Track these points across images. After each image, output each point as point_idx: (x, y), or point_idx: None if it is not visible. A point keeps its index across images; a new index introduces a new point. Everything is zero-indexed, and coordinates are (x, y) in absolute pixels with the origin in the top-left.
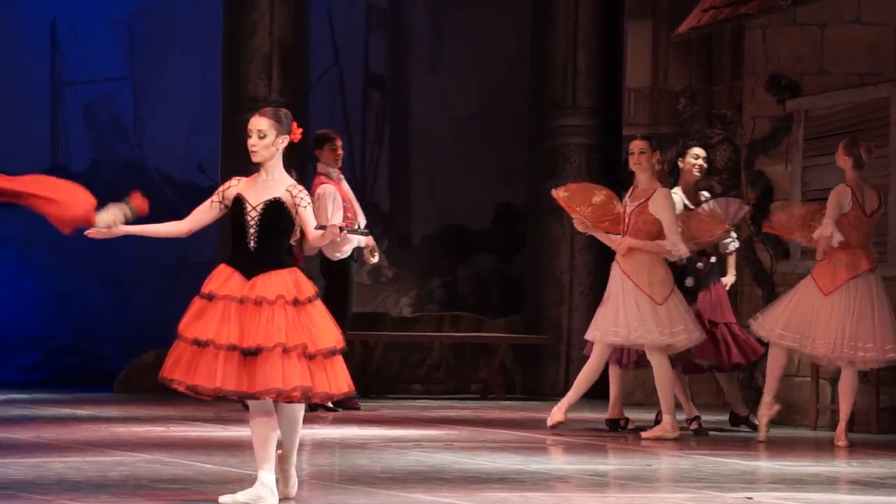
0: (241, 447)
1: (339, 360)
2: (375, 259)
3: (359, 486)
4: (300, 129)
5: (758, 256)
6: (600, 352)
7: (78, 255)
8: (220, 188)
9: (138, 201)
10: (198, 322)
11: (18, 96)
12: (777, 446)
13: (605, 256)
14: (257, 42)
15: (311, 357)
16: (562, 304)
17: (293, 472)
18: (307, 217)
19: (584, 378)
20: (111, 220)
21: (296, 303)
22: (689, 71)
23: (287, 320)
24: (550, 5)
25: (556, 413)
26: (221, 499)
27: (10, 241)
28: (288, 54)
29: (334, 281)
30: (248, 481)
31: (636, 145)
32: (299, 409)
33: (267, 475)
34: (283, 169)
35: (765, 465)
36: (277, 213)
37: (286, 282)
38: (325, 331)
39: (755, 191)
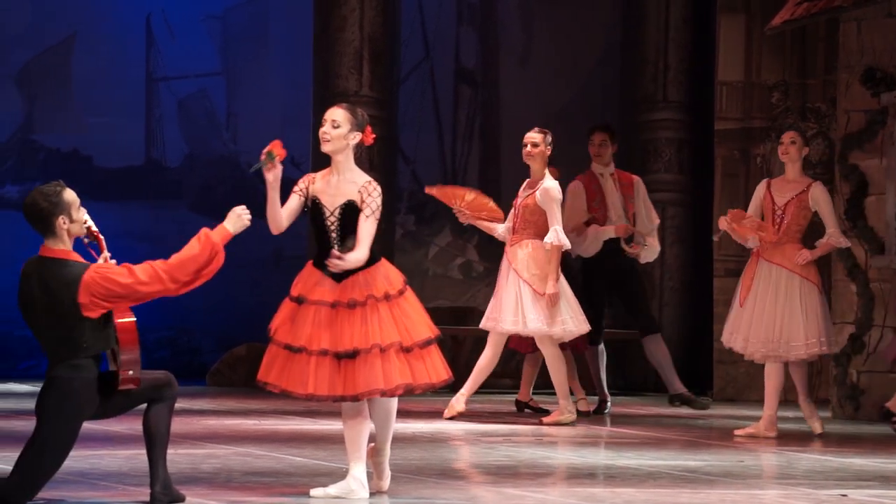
0: (331, 440)
1: (435, 349)
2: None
3: (449, 481)
4: (374, 136)
5: (852, 251)
6: (496, 341)
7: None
8: (301, 183)
9: (278, 148)
10: (289, 326)
11: (114, 92)
12: (873, 443)
13: (695, 252)
14: (347, 37)
15: (408, 350)
16: (652, 298)
17: (386, 466)
18: (363, 229)
19: (481, 368)
20: (238, 225)
21: (387, 297)
22: (783, 64)
23: (380, 319)
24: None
25: (456, 404)
26: (313, 492)
27: (108, 234)
28: (378, 49)
29: None
30: (338, 475)
31: (529, 138)
32: (393, 402)
33: (358, 469)
34: (355, 167)
35: (859, 462)
36: (353, 216)
37: (375, 278)
38: (419, 321)
39: (849, 185)
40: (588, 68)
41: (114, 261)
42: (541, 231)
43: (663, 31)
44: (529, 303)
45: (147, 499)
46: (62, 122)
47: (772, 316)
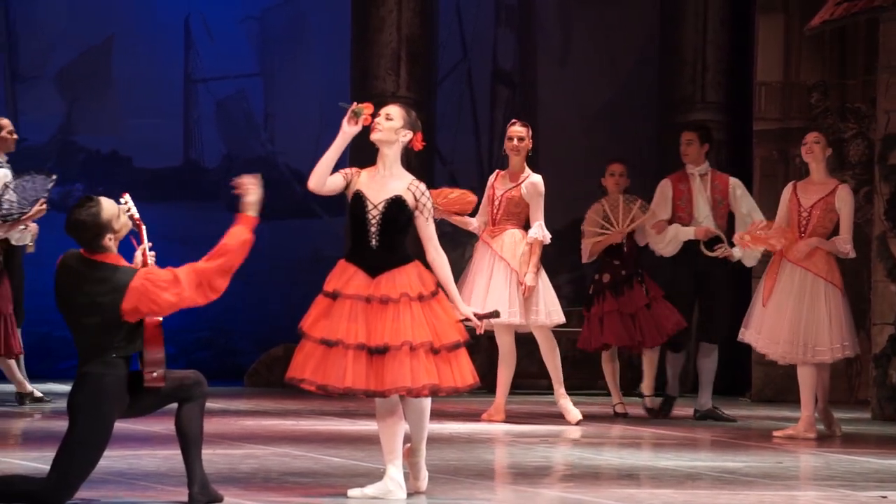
0: (369, 441)
1: (464, 353)
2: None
3: (486, 481)
4: (423, 143)
5: (891, 252)
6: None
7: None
8: (348, 170)
9: (369, 109)
10: (324, 321)
11: (154, 93)
12: None
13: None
14: (385, 38)
15: (436, 352)
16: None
17: (423, 466)
18: (427, 231)
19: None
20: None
21: (420, 298)
22: (822, 65)
23: (412, 317)
24: (679, 0)
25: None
26: (350, 492)
27: (148, 236)
28: (416, 50)
29: None
30: (375, 475)
31: (515, 132)
32: (426, 402)
33: (395, 469)
34: (401, 166)
35: None
36: (399, 211)
37: (410, 277)
38: (449, 324)
39: (889, 186)
40: (626, 69)
41: (153, 253)
42: (521, 223)
43: (701, 31)
44: (517, 293)
45: (185, 499)
46: (101, 124)
47: (795, 319)
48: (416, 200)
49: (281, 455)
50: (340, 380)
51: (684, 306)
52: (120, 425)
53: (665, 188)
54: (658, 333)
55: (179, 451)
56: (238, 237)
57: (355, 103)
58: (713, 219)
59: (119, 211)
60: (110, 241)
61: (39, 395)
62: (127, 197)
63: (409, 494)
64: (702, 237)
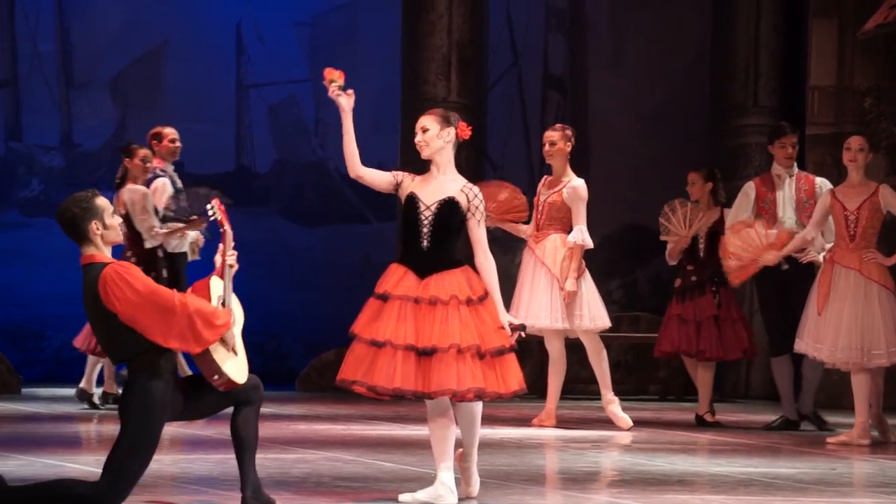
0: (419, 446)
1: (511, 359)
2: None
3: (537, 487)
4: (469, 128)
5: None
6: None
7: (265, 254)
8: (400, 173)
9: (333, 74)
10: (374, 323)
11: (206, 98)
12: None
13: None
14: (436, 43)
15: (482, 357)
16: (743, 304)
17: (474, 471)
18: (478, 234)
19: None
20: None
21: (469, 302)
22: (876, 69)
23: (460, 320)
24: (732, 5)
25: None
26: (401, 497)
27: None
28: (466, 55)
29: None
30: (426, 480)
31: (547, 137)
32: (477, 407)
33: (446, 474)
34: (454, 168)
35: None
36: (451, 213)
37: (459, 281)
38: (495, 330)
39: None
40: (678, 74)
41: (233, 253)
42: (565, 228)
43: (754, 36)
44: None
45: (237, 503)
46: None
47: (851, 323)
48: (469, 203)
49: (332, 460)
50: (389, 380)
51: (770, 315)
52: (172, 429)
53: (749, 190)
54: (720, 349)
55: (231, 455)
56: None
57: (326, 77)
58: (799, 220)
59: (112, 210)
60: (97, 232)
61: (96, 401)
62: (214, 203)
63: (461, 499)
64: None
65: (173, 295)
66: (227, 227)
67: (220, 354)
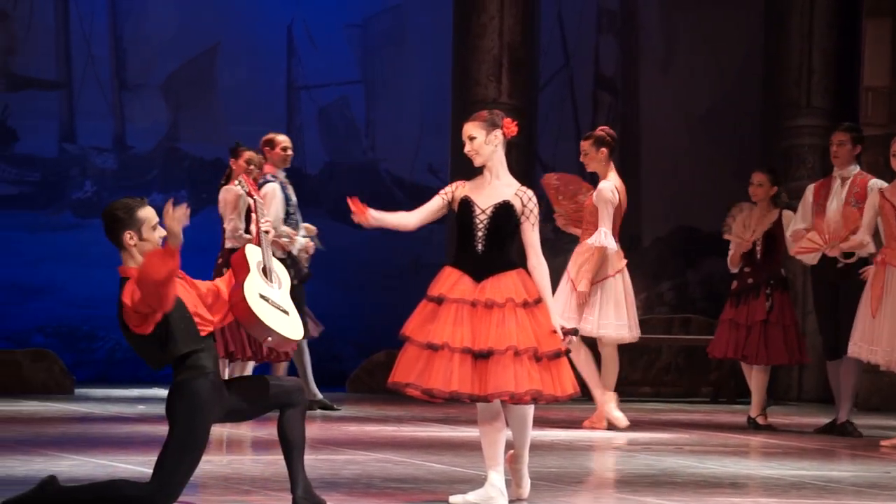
0: (469, 447)
1: (564, 362)
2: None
3: (587, 489)
4: (514, 123)
5: None
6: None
7: (315, 256)
8: (448, 188)
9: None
10: (429, 325)
11: (257, 100)
12: None
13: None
14: (487, 44)
15: (538, 359)
16: (794, 306)
17: (525, 473)
18: (532, 238)
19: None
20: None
21: (525, 305)
22: None
23: (517, 323)
24: (785, 5)
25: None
26: (452, 499)
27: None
28: (517, 56)
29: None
30: (477, 481)
31: (581, 147)
32: (528, 409)
33: (496, 476)
34: (507, 170)
35: None
36: (506, 217)
37: (515, 284)
38: (550, 333)
39: None
40: (730, 74)
41: (268, 221)
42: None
43: (807, 36)
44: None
45: (289, 503)
46: (206, 131)
47: None
48: (524, 206)
49: (383, 461)
50: (446, 384)
51: (822, 319)
52: (223, 431)
53: (807, 194)
54: (763, 354)
55: (282, 457)
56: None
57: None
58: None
59: (156, 222)
60: (131, 242)
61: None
62: (242, 177)
63: (511, 501)
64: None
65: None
66: (256, 196)
67: (268, 316)
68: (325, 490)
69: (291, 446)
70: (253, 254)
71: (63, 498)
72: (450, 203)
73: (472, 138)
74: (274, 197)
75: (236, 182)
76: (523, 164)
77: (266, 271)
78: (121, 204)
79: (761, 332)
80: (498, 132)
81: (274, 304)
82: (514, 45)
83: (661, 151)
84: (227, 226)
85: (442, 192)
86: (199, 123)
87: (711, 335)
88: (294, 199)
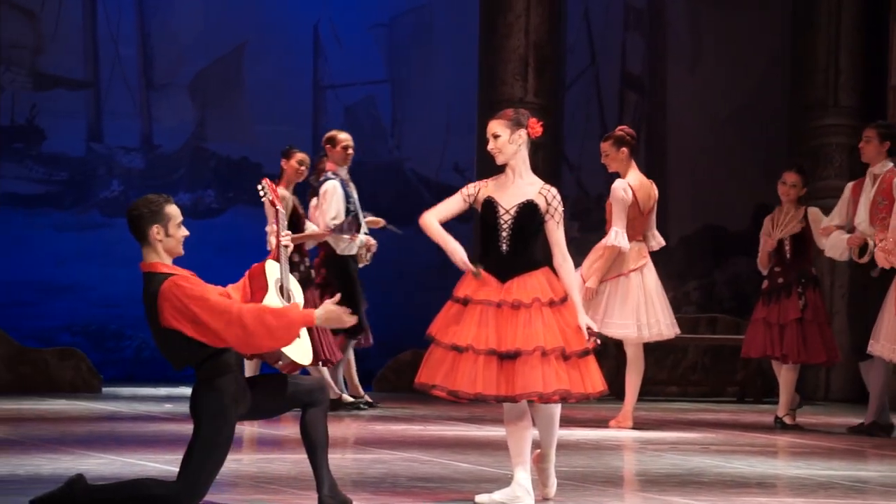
0: (495, 447)
1: (592, 360)
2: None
3: (614, 488)
4: (540, 124)
5: None
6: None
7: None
8: (471, 188)
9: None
10: (454, 327)
11: (283, 99)
12: None
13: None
14: (513, 43)
15: (566, 358)
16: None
17: (552, 472)
18: (557, 236)
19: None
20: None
21: (551, 304)
22: None
23: (544, 323)
24: (812, 5)
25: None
26: (478, 498)
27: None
28: (543, 55)
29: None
30: (503, 481)
31: (601, 148)
32: (555, 408)
33: (523, 475)
34: (530, 171)
35: None
36: (530, 216)
37: (541, 283)
38: (578, 331)
39: None
40: (757, 73)
41: (287, 233)
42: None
43: (834, 35)
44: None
45: (315, 503)
46: (233, 130)
47: None
48: (548, 205)
49: (409, 460)
50: (471, 385)
51: (859, 317)
52: (250, 429)
53: (846, 192)
54: (803, 353)
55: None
56: (301, 314)
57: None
58: (871, 223)
59: (181, 220)
60: (158, 237)
61: (350, 399)
62: (265, 182)
63: (538, 500)
64: (852, 244)
65: (230, 305)
66: (279, 207)
67: None
68: (351, 489)
69: (315, 445)
70: (272, 270)
71: (90, 496)
72: (472, 203)
73: (496, 136)
74: (334, 195)
75: (259, 187)
76: (550, 164)
77: (282, 290)
78: (149, 199)
79: (798, 331)
80: (522, 132)
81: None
82: (540, 44)
83: (687, 150)
84: (269, 228)
85: (464, 192)
86: (226, 123)
87: (738, 335)
88: (355, 197)
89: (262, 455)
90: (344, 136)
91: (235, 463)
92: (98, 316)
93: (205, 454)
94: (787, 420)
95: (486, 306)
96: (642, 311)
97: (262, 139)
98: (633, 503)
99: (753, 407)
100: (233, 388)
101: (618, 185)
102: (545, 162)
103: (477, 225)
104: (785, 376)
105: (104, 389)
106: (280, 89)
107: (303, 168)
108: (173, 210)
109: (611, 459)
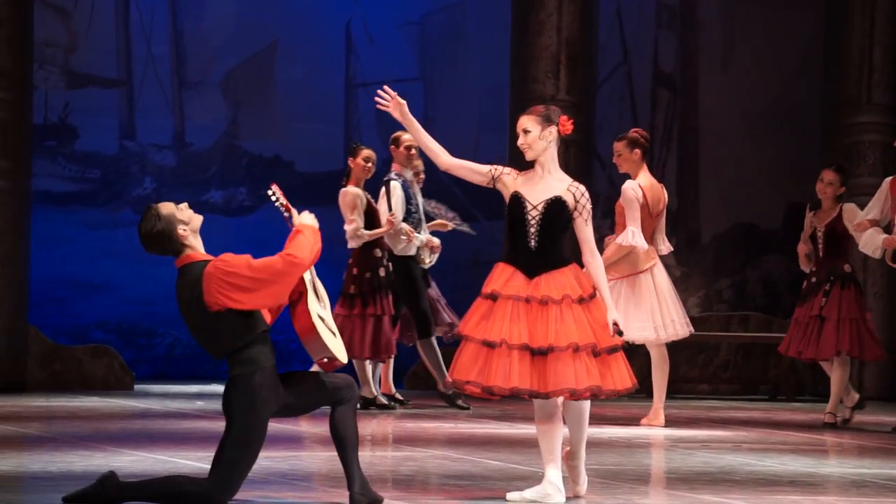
0: (526, 444)
1: (621, 356)
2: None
3: (645, 487)
4: (571, 121)
5: None
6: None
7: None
8: (499, 167)
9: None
10: (485, 323)
11: (315, 97)
12: None
13: None
14: (545, 41)
15: (596, 355)
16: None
17: (582, 470)
18: (586, 233)
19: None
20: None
21: (580, 300)
22: None
23: (575, 319)
24: (846, 2)
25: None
26: (509, 496)
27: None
28: (575, 53)
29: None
30: (534, 478)
31: (614, 148)
32: (585, 405)
33: (554, 473)
34: (558, 166)
35: None
36: (558, 212)
37: (569, 280)
38: (606, 328)
39: None
40: (790, 71)
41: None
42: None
43: (868, 32)
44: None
45: (346, 500)
46: (265, 128)
47: None
48: (576, 202)
49: (440, 458)
50: (507, 380)
51: None
52: (282, 427)
53: (884, 186)
54: (825, 348)
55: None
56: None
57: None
58: None
59: (175, 205)
60: (185, 232)
61: (384, 401)
62: (274, 188)
63: (569, 498)
64: (887, 246)
65: (270, 259)
66: (293, 212)
67: (326, 336)
68: (382, 487)
69: (345, 443)
70: (306, 273)
71: (122, 493)
72: (492, 181)
73: (526, 132)
74: (394, 195)
75: (270, 192)
76: (581, 161)
77: (316, 290)
78: (149, 219)
79: (816, 328)
80: (553, 129)
81: (328, 325)
82: (572, 42)
83: (719, 148)
84: (348, 227)
85: (492, 167)
86: (258, 120)
87: (770, 332)
88: (418, 198)
89: (293, 452)
90: (407, 138)
91: (267, 460)
92: (130, 313)
93: (237, 451)
94: (828, 419)
95: (516, 301)
96: (657, 312)
97: (294, 137)
98: (663, 501)
99: (786, 405)
100: (265, 384)
101: (628, 185)
102: (577, 159)
103: (505, 220)
104: (834, 372)
105: (136, 387)
106: (312, 87)
107: (369, 164)
108: (164, 206)
109: (641, 457)
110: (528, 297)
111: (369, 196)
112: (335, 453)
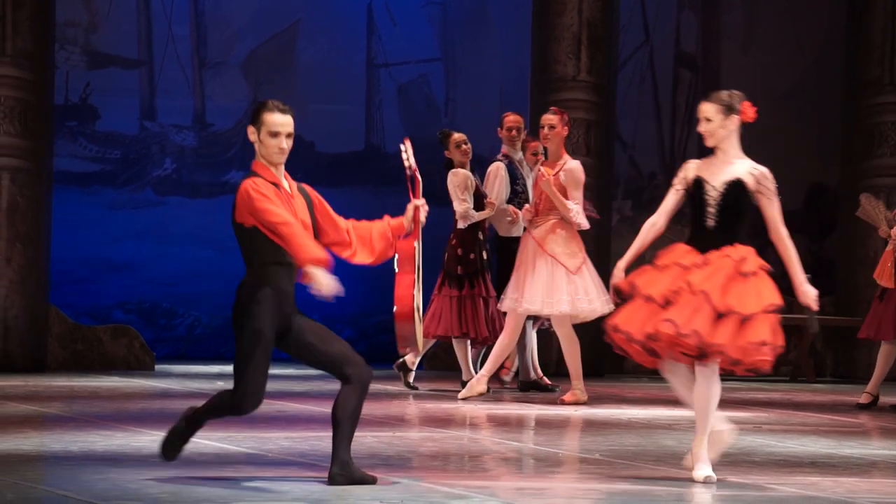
0: (546, 425)
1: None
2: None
3: (665, 467)
4: (754, 109)
5: None
6: (516, 321)
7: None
8: (680, 174)
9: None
10: (656, 284)
11: (336, 78)
12: None
13: None
14: (566, 22)
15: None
16: (875, 286)
17: (705, 443)
18: (773, 212)
19: (503, 346)
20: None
21: (744, 275)
22: None
23: (744, 291)
24: None
25: (477, 385)
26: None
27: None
28: (596, 34)
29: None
30: (553, 460)
31: (546, 120)
32: (715, 389)
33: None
34: (740, 150)
35: None
36: (739, 194)
37: (739, 255)
38: (763, 305)
39: None
40: (812, 52)
41: (425, 208)
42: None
43: (890, 13)
44: (563, 284)
45: (373, 479)
46: None
47: None
48: (759, 184)
49: (458, 438)
50: (686, 323)
51: None
52: (301, 408)
53: None
54: (871, 329)
55: (362, 434)
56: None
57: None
58: None
59: (270, 119)
60: (252, 136)
61: (548, 382)
62: (407, 144)
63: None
64: None
65: (284, 215)
66: (417, 174)
67: (418, 325)
68: (400, 467)
69: (337, 422)
70: (417, 257)
71: (199, 420)
72: (684, 188)
73: (708, 120)
74: (496, 176)
75: (402, 148)
76: (602, 142)
77: (418, 278)
78: (260, 102)
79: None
80: (735, 117)
81: (419, 315)
82: (593, 22)
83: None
84: (458, 207)
85: (675, 185)
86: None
87: (790, 314)
88: (525, 179)
89: (312, 433)
90: (510, 119)
91: (288, 440)
92: (151, 294)
93: (244, 360)
94: (863, 399)
95: (683, 267)
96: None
97: (315, 117)
98: (684, 481)
99: (806, 386)
100: (271, 299)
101: (576, 165)
102: (598, 140)
103: (687, 203)
104: (880, 353)
105: (157, 367)
106: (333, 68)
107: (464, 146)
108: (269, 117)
109: (661, 438)
110: (692, 264)
111: (476, 178)
112: (357, 433)
